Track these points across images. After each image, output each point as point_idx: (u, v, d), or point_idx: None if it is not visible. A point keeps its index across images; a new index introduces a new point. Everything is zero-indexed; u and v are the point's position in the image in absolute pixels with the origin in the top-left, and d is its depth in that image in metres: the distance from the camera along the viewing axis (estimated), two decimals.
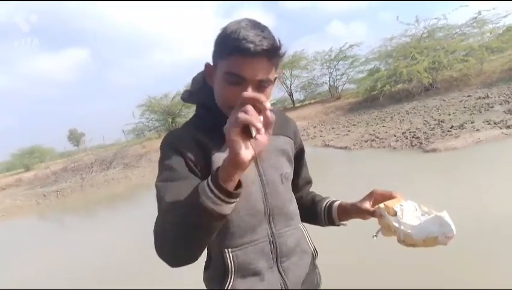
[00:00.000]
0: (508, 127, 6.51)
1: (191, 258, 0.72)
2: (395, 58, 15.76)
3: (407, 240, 0.85)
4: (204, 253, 0.96)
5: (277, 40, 0.76)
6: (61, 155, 29.65)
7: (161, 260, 0.73)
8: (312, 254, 1.00)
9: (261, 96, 0.62)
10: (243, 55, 0.73)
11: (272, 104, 1.00)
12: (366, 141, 8.78)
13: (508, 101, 8.48)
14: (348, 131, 10.91)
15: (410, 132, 8.17)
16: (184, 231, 0.68)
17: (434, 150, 6.37)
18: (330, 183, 5.50)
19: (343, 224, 1.04)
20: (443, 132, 7.34)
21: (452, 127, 7.46)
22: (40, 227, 8.60)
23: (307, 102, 24.18)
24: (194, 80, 0.93)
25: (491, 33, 14.58)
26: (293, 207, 0.98)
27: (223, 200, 0.65)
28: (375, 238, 0.93)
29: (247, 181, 0.84)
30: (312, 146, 10.21)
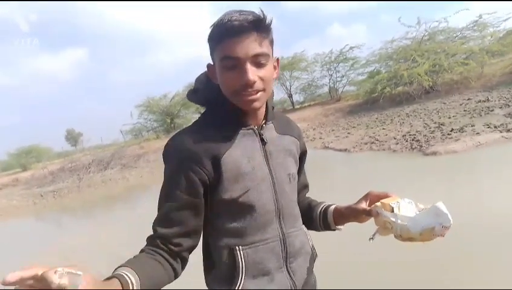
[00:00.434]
0: (508, 130, 6.49)
1: None
2: (396, 61, 15.76)
3: (403, 234, 0.83)
4: (201, 258, 0.93)
5: (262, 13, 0.78)
6: (59, 155, 29.66)
7: None
8: (313, 256, 1.00)
9: None
10: (231, 37, 0.75)
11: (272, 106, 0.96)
12: (366, 144, 8.77)
13: (509, 105, 8.46)
14: (348, 133, 10.87)
15: (410, 135, 8.15)
16: None
17: (434, 153, 6.35)
18: (330, 186, 5.47)
19: (338, 229, 1.04)
20: (443, 135, 7.32)
21: (452, 130, 7.44)
22: (37, 227, 8.53)
23: (306, 104, 24.16)
24: (198, 79, 0.94)
25: (491, 36, 14.58)
26: (298, 208, 0.98)
27: None
28: (371, 241, 0.92)
29: (257, 179, 0.84)
30: (312, 148, 10.16)
